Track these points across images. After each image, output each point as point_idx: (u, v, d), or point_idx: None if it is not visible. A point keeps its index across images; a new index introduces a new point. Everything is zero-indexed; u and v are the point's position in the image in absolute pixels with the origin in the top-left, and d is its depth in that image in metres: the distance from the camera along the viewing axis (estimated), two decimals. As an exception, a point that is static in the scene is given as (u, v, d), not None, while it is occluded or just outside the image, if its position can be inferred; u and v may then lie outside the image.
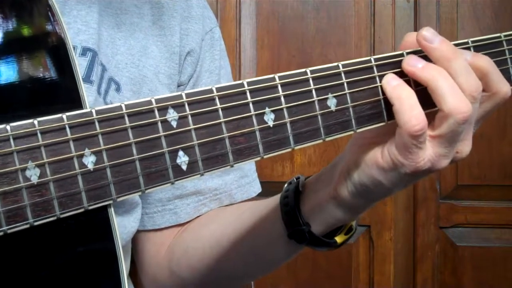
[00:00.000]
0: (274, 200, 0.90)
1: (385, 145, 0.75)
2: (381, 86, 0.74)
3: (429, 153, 0.73)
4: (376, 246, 2.26)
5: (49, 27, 0.64)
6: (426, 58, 0.75)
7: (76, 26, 0.88)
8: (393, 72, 0.75)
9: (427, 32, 0.75)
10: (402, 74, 0.75)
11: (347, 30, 2.28)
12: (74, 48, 0.86)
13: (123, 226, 0.95)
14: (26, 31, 0.63)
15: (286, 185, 0.88)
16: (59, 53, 0.63)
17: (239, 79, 1.99)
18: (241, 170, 1.07)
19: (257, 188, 1.11)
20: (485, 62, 0.77)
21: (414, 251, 2.28)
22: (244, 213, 0.97)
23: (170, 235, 1.06)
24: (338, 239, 0.86)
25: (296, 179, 0.88)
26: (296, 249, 0.89)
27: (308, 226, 0.83)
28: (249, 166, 1.10)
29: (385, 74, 0.74)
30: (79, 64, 0.87)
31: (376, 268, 2.27)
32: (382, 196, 0.79)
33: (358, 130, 0.73)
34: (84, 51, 0.88)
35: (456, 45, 0.79)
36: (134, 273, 1.13)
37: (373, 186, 0.77)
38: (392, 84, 0.73)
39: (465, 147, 0.77)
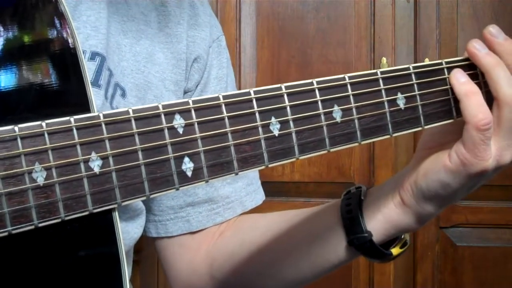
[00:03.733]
0: (330, 208, 0.92)
1: (451, 148, 0.78)
2: (387, 100, 0.76)
3: (493, 150, 0.77)
4: (376, 246, 2.27)
5: (59, 32, 0.64)
6: (432, 73, 0.79)
7: (86, 31, 0.89)
8: (400, 87, 0.77)
9: (493, 29, 0.80)
10: (407, 88, 0.77)
11: (347, 30, 2.28)
12: (83, 52, 0.87)
13: (126, 232, 0.95)
14: (36, 35, 0.63)
15: (344, 193, 0.91)
16: (69, 57, 0.63)
17: (239, 79, 2.00)
18: (247, 177, 1.08)
19: (262, 196, 1.12)
20: None
21: (414, 251, 2.28)
22: (294, 218, 0.98)
23: (205, 240, 1.06)
24: (394, 251, 0.88)
25: (357, 188, 0.90)
26: (350, 257, 0.90)
27: (370, 234, 0.85)
28: (253, 174, 1.10)
29: (390, 88, 0.76)
30: (88, 68, 0.87)
31: (376, 268, 2.27)
32: (449, 200, 0.82)
33: (363, 142, 0.74)
34: (93, 55, 0.88)
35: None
36: (134, 279, 1.13)
37: (441, 189, 0.79)
38: (461, 80, 0.78)
39: None
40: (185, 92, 1.02)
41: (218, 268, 1.04)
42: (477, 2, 2.25)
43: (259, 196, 1.11)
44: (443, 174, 0.78)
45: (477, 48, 0.79)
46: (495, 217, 2.25)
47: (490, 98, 0.78)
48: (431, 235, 2.27)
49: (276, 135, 0.68)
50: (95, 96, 0.86)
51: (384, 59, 2.25)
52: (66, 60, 0.63)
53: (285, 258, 0.97)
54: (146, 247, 2.18)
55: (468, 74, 0.79)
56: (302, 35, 2.28)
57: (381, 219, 0.85)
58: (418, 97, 0.77)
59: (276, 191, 2.20)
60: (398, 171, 2.31)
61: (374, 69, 2.25)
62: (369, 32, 2.28)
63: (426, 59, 2.24)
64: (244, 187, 1.08)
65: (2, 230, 0.55)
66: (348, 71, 2.28)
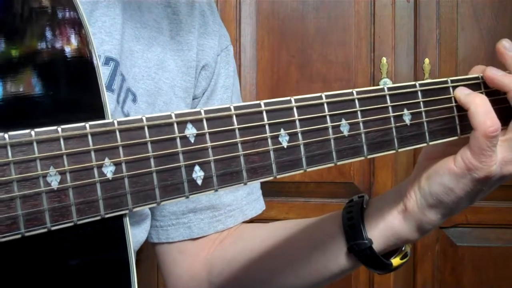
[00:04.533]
0: (331, 216, 0.93)
1: (457, 153, 0.79)
2: (394, 116, 0.77)
3: (499, 157, 0.78)
4: (376, 246, 2.27)
5: (76, 38, 0.64)
6: (438, 92, 0.81)
7: (101, 36, 0.90)
8: (406, 104, 0.78)
9: (507, 43, 0.82)
10: (413, 105, 0.79)
11: (347, 30, 2.28)
12: (98, 57, 0.88)
13: (134, 236, 0.96)
14: (53, 41, 0.63)
15: (347, 202, 0.91)
16: (84, 63, 0.64)
17: (240, 80, 1.99)
18: (248, 187, 1.09)
19: (262, 205, 1.13)
20: None
21: (414, 251, 2.29)
22: (295, 227, 0.99)
23: (205, 247, 1.07)
24: (394, 262, 0.89)
25: (359, 197, 0.91)
26: (351, 266, 0.91)
27: (370, 241, 0.86)
28: (254, 183, 1.12)
29: (397, 105, 0.77)
30: (102, 73, 0.87)
31: (376, 268, 2.28)
32: (452, 209, 0.83)
33: (369, 156, 0.75)
34: (107, 60, 0.89)
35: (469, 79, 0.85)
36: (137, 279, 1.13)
37: (444, 194, 0.80)
38: (465, 93, 0.80)
39: None
40: (193, 99, 1.03)
41: (216, 275, 1.04)
42: (477, 2, 2.25)
43: (259, 206, 1.12)
44: (447, 178, 0.79)
45: (493, 73, 0.82)
46: (495, 217, 2.26)
47: (501, 116, 0.79)
48: (431, 235, 2.28)
49: (285, 146, 0.69)
50: (108, 100, 0.87)
51: (384, 59, 2.25)
52: (82, 66, 0.64)
53: (285, 266, 0.97)
54: (146, 248, 2.19)
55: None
56: (302, 35, 2.28)
57: (382, 228, 0.86)
58: (423, 113, 0.79)
59: (276, 191, 2.20)
60: (398, 171, 2.32)
61: (374, 69, 2.26)
62: (369, 32, 2.28)
63: (426, 60, 2.24)
64: (245, 196, 1.08)
65: (15, 232, 0.56)
66: (348, 71, 2.31)
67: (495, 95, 0.83)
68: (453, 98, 0.81)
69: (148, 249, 2.20)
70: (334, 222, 0.91)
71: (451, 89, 0.81)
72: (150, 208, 1.04)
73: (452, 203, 0.81)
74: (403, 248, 0.89)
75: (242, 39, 2.29)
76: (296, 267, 0.97)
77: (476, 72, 0.85)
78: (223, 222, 1.06)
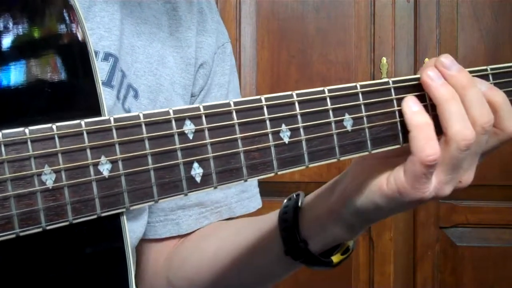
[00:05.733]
0: (273, 216, 0.90)
1: (391, 172, 0.74)
2: (398, 110, 0.74)
3: (434, 182, 0.73)
4: (376, 246, 2.27)
5: (72, 34, 0.64)
6: None
7: (99, 32, 0.89)
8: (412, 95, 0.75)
9: (446, 59, 0.75)
10: (420, 98, 0.75)
11: (347, 30, 2.28)
12: (96, 53, 0.87)
13: (132, 231, 0.95)
14: (48, 37, 0.63)
15: (285, 201, 0.88)
16: (80, 59, 0.63)
17: (240, 80, 1.99)
18: (242, 184, 1.07)
19: (257, 204, 1.11)
20: (499, 98, 0.76)
21: (414, 251, 2.29)
22: (243, 228, 0.97)
23: (170, 245, 1.06)
24: (335, 258, 0.85)
25: (296, 195, 0.87)
26: (293, 267, 0.88)
27: (305, 243, 0.83)
28: (250, 181, 1.10)
29: (402, 97, 0.74)
30: (101, 69, 0.87)
31: (376, 268, 2.28)
32: (380, 218, 0.80)
33: (373, 151, 0.73)
34: (106, 56, 0.89)
35: (475, 71, 0.78)
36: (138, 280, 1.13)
37: (374, 209, 0.76)
38: (413, 110, 0.73)
39: (467, 177, 0.76)
40: (191, 96, 1.03)
41: (173, 273, 1.03)
42: (477, 2, 2.25)
43: (253, 204, 1.10)
44: (377, 197, 0.75)
45: (431, 78, 0.74)
46: (495, 217, 2.26)
47: (438, 122, 0.74)
48: (431, 235, 2.27)
49: (286, 142, 0.68)
50: (107, 96, 0.87)
51: (384, 59, 2.25)
52: (78, 63, 0.63)
53: (230, 267, 0.95)
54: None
55: (417, 95, 0.75)
56: (302, 35, 2.28)
57: (316, 228, 0.83)
58: (429, 106, 0.75)
59: (276, 191, 2.20)
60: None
61: (374, 69, 2.26)
62: (369, 32, 2.28)
63: (426, 59, 2.24)
64: (236, 194, 1.07)
65: (10, 232, 0.55)
66: (348, 71, 2.31)
67: None
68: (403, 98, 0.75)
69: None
70: (272, 222, 0.88)
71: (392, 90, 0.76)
72: None
73: (381, 216, 0.79)
74: (344, 243, 0.85)
75: (242, 39, 2.29)
76: (238, 269, 0.95)
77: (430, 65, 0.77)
78: (208, 218, 1.05)
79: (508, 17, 2.25)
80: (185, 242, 1.05)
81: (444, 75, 0.74)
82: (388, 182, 0.74)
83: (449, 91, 0.73)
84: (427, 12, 2.27)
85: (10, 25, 0.61)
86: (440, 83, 0.74)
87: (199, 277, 1.00)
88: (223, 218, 1.06)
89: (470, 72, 0.76)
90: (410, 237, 2.29)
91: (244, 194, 1.08)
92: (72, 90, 0.63)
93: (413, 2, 2.27)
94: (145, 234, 1.05)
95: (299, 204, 0.86)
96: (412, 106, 0.73)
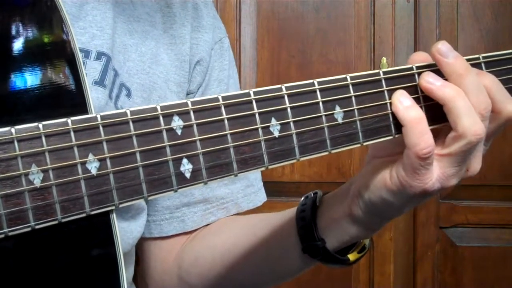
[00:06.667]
0: (289, 213, 0.91)
1: (393, 167, 0.75)
2: (390, 101, 0.74)
3: (437, 173, 0.74)
4: (376, 246, 2.27)
5: (57, 32, 0.64)
6: (438, 73, 0.75)
7: (92, 31, 0.89)
8: (402, 87, 0.74)
9: (443, 46, 0.74)
10: (410, 90, 0.75)
11: (347, 30, 2.28)
12: (89, 52, 0.88)
13: (130, 231, 0.95)
14: (33, 36, 0.63)
15: (302, 199, 0.89)
16: (66, 58, 0.63)
17: (240, 80, 2.00)
18: (247, 179, 1.08)
19: (262, 198, 1.11)
20: (489, 80, 0.76)
21: (414, 251, 2.28)
22: (257, 224, 0.98)
23: (178, 242, 1.06)
24: (351, 257, 0.86)
25: (314, 193, 0.88)
26: (308, 264, 0.89)
27: (323, 241, 0.84)
28: (254, 176, 1.10)
29: (394, 89, 0.74)
30: (94, 68, 0.87)
31: (376, 268, 2.27)
32: (395, 215, 0.80)
33: (365, 143, 0.73)
34: (99, 55, 0.88)
35: (468, 60, 0.77)
36: (137, 279, 1.13)
37: (384, 206, 0.78)
38: (404, 105, 0.73)
39: (475, 165, 0.77)
40: (187, 94, 1.03)
41: (185, 270, 1.04)
42: (477, 2, 2.25)
43: (259, 198, 1.11)
44: (384, 192, 0.76)
45: (430, 82, 0.74)
46: (495, 217, 2.25)
47: (429, 111, 0.74)
48: (431, 235, 2.27)
49: (277, 136, 0.68)
50: (100, 95, 0.87)
51: (384, 59, 2.25)
52: (64, 61, 0.63)
53: (244, 262, 0.96)
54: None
55: (408, 87, 0.75)
56: (302, 35, 2.28)
57: (334, 227, 0.84)
58: (421, 98, 0.75)
59: (276, 191, 2.20)
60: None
61: (374, 69, 2.26)
62: (369, 32, 2.28)
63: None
64: (242, 189, 1.07)
65: (-1, 232, 0.55)
66: (348, 71, 2.30)
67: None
68: (385, 92, 0.75)
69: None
70: (289, 220, 0.89)
71: (383, 82, 0.75)
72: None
73: (394, 212, 0.79)
74: (361, 241, 0.87)
75: (242, 39, 2.29)
76: (254, 265, 0.96)
77: (416, 59, 0.77)
78: (214, 214, 1.06)
79: (508, 17, 2.24)
80: (195, 239, 1.05)
81: (440, 62, 0.74)
82: (391, 177, 0.75)
83: (452, 89, 0.73)
84: (427, 12, 2.27)
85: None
86: (440, 84, 0.74)
87: (213, 273, 1.00)
88: (231, 213, 1.07)
89: (425, 66, 0.76)
90: (410, 237, 2.29)
91: (250, 188, 1.09)
92: (59, 88, 0.63)
93: (413, 2, 2.27)
94: (150, 233, 1.06)
95: (317, 202, 0.86)
96: (403, 101, 0.73)
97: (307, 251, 0.86)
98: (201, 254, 1.01)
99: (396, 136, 0.75)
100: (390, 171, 0.75)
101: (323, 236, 0.84)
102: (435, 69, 0.76)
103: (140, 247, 1.09)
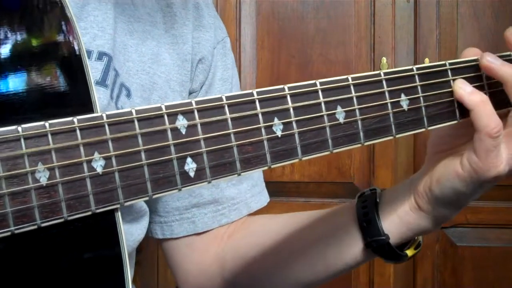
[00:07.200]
0: (343, 210, 0.94)
1: (463, 156, 0.79)
2: (390, 101, 0.76)
3: (505, 155, 0.78)
4: (376, 246, 2.26)
5: (63, 33, 0.64)
6: (438, 73, 0.80)
7: (93, 31, 0.90)
8: (403, 87, 0.77)
9: (490, 57, 0.81)
10: (411, 90, 0.77)
11: (347, 30, 2.28)
12: (90, 52, 0.88)
13: (130, 234, 0.96)
14: (40, 37, 0.63)
15: (358, 196, 0.92)
16: (72, 57, 0.64)
17: (240, 80, 2.00)
18: (252, 179, 1.09)
19: (267, 197, 1.13)
20: None
21: (414, 251, 2.28)
22: (306, 221, 0.99)
23: (213, 242, 1.06)
24: (409, 252, 0.90)
25: (371, 191, 0.92)
26: (365, 260, 0.92)
27: (388, 237, 0.87)
28: (258, 175, 1.11)
29: (394, 89, 0.76)
30: (95, 68, 0.87)
31: (376, 269, 2.27)
32: (464, 204, 0.84)
33: (366, 143, 0.74)
34: (100, 55, 0.89)
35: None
36: (134, 279, 1.13)
37: (455, 196, 0.81)
38: (467, 91, 0.79)
39: None
40: (190, 93, 1.03)
41: (230, 270, 1.04)
42: (477, 2, 2.25)
43: (264, 198, 1.12)
44: (456, 182, 0.80)
45: (491, 61, 0.80)
46: (495, 217, 2.25)
47: (494, 100, 0.79)
48: (431, 235, 2.27)
49: (279, 136, 0.68)
50: (102, 95, 0.87)
51: (384, 59, 2.25)
52: (70, 61, 0.64)
53: (300, 259, 0.98)
54: (146, 247, 2.18)
55: (472, 77, 0.81)
56: (302, 35, 2.28)
57: (397, 222, 0.87)
58: (421, 98, 0.77)
59: (276, 191, 2.20)
60: (398, 171, 2.32)
61: (374, 69, 2.26)
62: (369, 32, 2.28)
63: (426, 59, 2.24)
64: (249, 189, 1.08)
65: (5, 230, 0.56)
66: (348, 71, 2.30)
67: (490, 79, 0.82)
68: (451, 82, 0.80)
69: (148, 249, 2.20)
70: (349, 216, 0.92)
71: (449, 72, 0.80)
72: (152, 204, 1.04)
73: (464, 200, 0.83)
74: (416, 238, 0.90)
75: (242, 39, 2.29)
76: (310, 260, 0.97)
77: (469, 54, 0.84)
78: (227, 216, 1.06)
79: (508, 17, 2.24)
80: (236, 239, 1.06)
81: (492, 69, 0.81)
82: (462, 166, 0.79)
83: (510, 68, 0.80)
84: (427, 12, 2.27)
85: (3, 24, 0.61)
86: (500, 63, 0.80)
87: (262, 270, 1.01)
88: (243, 214, 1.08)
89: (427, 67, 0.80)
90: (412, 237, 2.29)
91: (256, 188, 1.10)
92: (65, 89, 0.63)
93: (413, 2, 2.27)
94: (163, 234, 1.06)
95: (377, 199, 0.90)
96: (466, 88, 0.79)
97: (370, 246, 0.88)
98: (248, 253, 1.02)
99: (397, 136, 0.76)
100: (461, 161, 0.79)
101: (387, 232, 0.87)
102: (436, 70, 0.79)
103: (168, 252, 1.10)
